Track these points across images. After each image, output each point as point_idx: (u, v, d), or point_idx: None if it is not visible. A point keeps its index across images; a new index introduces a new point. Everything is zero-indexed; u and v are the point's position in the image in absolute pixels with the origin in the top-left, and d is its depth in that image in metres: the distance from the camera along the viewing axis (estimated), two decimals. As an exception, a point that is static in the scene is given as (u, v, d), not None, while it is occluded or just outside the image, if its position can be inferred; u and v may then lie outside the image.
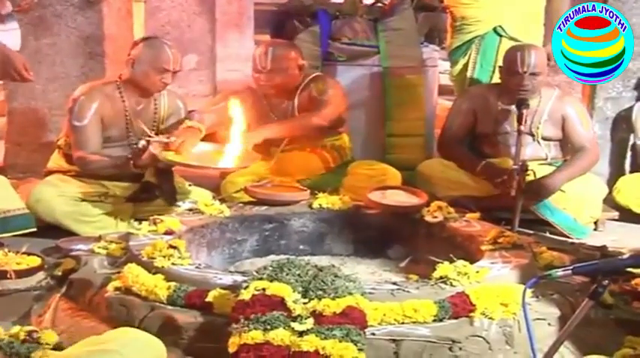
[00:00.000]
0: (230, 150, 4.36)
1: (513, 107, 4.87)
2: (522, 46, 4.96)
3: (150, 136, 4.46)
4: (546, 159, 4.96)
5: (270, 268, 3.13)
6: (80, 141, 4.53)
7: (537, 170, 4.78)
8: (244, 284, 3.07)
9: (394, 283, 3.33)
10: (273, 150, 5.03)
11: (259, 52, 5.00)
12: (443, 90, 6.60)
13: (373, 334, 3.00)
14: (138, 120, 4.65)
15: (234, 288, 3.14)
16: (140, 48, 4.60)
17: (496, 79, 5.37)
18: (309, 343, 2.79)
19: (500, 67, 5.04)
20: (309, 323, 2.90)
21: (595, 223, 4.97)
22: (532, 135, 4.93)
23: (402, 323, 3.07)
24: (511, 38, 5.47)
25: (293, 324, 2.89)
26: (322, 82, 5.16)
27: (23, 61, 4.34)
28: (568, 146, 5.01)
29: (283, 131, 4.97)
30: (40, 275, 3.85)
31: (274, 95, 5.04)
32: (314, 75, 5.18)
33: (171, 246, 3.49)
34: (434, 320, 3.10)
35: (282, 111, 5.07)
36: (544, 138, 4.95)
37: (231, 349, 2.85)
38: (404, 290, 3.20)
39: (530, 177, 4.71)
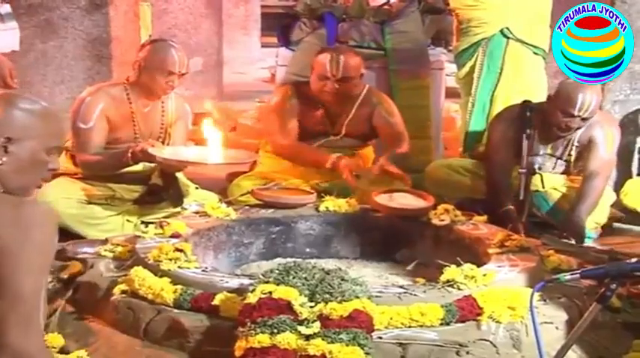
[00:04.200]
0: (224, 149, 4.36)
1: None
2: (581, 88, 4.54)
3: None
4: (566, 172, 4.92)
5: (277, 271, 3.13)
6: (82, 144, 4.52)
7: (545, 178, 4.78)
8: (251, 288, 3.07)
9: (401, 286, 3.34)
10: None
11: (329, 59, 4.91)
12: (450, 93, 6.59)
13: (380, 338, 2.99)
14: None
15: (241, 292, 3.14)
16: (147, 50, 4.59)
17: (504, 83, 5.38)
18: (316, 347, 2.79)
19: (549, 96, 4.81)
20: (316, 326, 2.89)
21: (602, 228, 4.94)
22: (566, 161, 4.87)
23: (409, 326, 3.07)
24: (518, 40, 5.46)
25: (300, 328, 2.89)
26: (385, 101, 5.17)
27: (10, 67, 4.31)
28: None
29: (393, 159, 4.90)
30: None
31: (333, 102, 5.01)
32: (367, 88, 5.15)
33: (177, 249, 3.50)
34: (441, 324, 3.09)
35: (332, 115, 5.07)
36: (575, 164, 4.88)
37: (238, 353, 2.84)
38: (411, 294, 3.20)
39: (537, 182, 4.71)
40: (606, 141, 4.78)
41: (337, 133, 5.09)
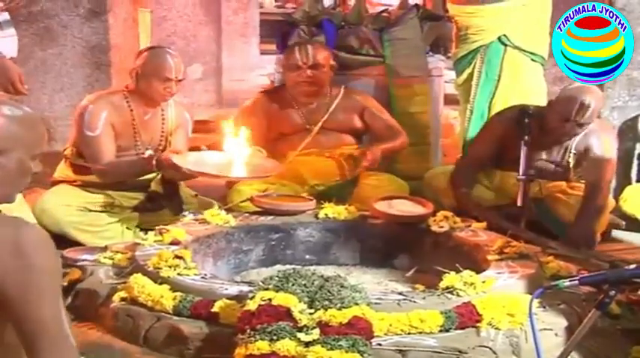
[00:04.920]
0: (249, 159, 4.38)
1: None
2: (583, 93, 4.53)
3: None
4: (565, 179, 4.93)
5: (276, 278, 3.14)
6: (96, 152, 4.50)
7: (544, 184, 4.78)
8: (250, 295, 3.07)
9: (400, 293, 3.34)
10: (290, 153, 5.05)
11: (297, 49, 5.08)
12: (449, 100, 6.60)
13: (379, 344, 3.00)
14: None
15: (240, 298, 3.15)
16: (143, 58, 4.60)
17: (502, 90, 5.38)
18: (315, 354, 2.79)
19: (550, 101, 4.83)
20: (315, 333, 2.90)
21: (601, 235, 4.93)
22: (564, 168, 4.87)
23: (409, 333, 3.07)
24: (515, 47, 5.47)
25: (299, 335, 2.89)
26: (370, 100, 5.30)
27: (19, 72, 4.31)
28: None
29: (389, 150, 5.12)
30: (46, 285, 3.84)
31: (307, 94, 5.09)
32: (344, 87, 5.27)
33: (177, 256, 3.50)
34: (440, 331, 3.10)
35: (309, 113, 5.12)
36: (574, 171, 4.91)
37: (237, 359, 2.85)
38: (410, 301, 3.21)
39: (535, 188, 4.71)
40: (604, 149, 4.77)
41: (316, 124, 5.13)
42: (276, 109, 5.12)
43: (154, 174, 4.62)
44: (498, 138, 4.89)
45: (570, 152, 4.80)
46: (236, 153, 4.27)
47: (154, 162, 4.39)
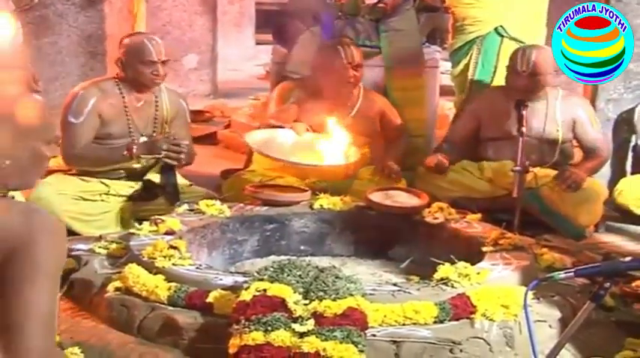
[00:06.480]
0: (333, 146, 4.55)
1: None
2: (525, 46, 5.08)
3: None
4: (549, 162, 4.96)
5: (271, 269, 3.14)
6: (72, 139, 4.50)
7: (539, 175, 4.79)
8: (245, 285, 3.07)
9: (395, 284, 3.34)
10: None
11: (342, 49, 5.10)
12: (444, 91, 6.60)
13: (374, 335, 3.00)
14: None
15: (235, 289, 3.14)
16: (124, 47, 4.64)
17: (498, 81, 5.38)
18: (310, 344, 2.79)
19: (507, 67, 5.12)
20: (310, 324, 2.90)
21: (595, 226, 4.95)
22: (554, 140, 5.03)
23: (403, 324, 3.07)
24: (512, 38, 5.47)
25: (294, 325, 2.90)
26: (385, 101, 5.41)
27: (33, 71, 4.34)
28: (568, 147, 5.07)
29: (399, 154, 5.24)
30: (41, 274, 3.83)
31: (345, 93, 5.13)
32: (364, 88, 5.31)
33: (171, 247, 3.50)
34: (434, 322, 3.10)
35: (339, 110, 5.11)
36: (563, 142, 5.03)
37: (232, 350, 2.85)
38: (405, 292, 3.21)
39: (529, 178, 4.71)
40: (590, 119, 5.08)
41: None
42: (303, 107, 5.08)
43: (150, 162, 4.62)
44: (482, 110, 5.20)
45: (557, 120, 5.01)
46: (337, 141, 4.58)
47: (134, 150, 4.44)
